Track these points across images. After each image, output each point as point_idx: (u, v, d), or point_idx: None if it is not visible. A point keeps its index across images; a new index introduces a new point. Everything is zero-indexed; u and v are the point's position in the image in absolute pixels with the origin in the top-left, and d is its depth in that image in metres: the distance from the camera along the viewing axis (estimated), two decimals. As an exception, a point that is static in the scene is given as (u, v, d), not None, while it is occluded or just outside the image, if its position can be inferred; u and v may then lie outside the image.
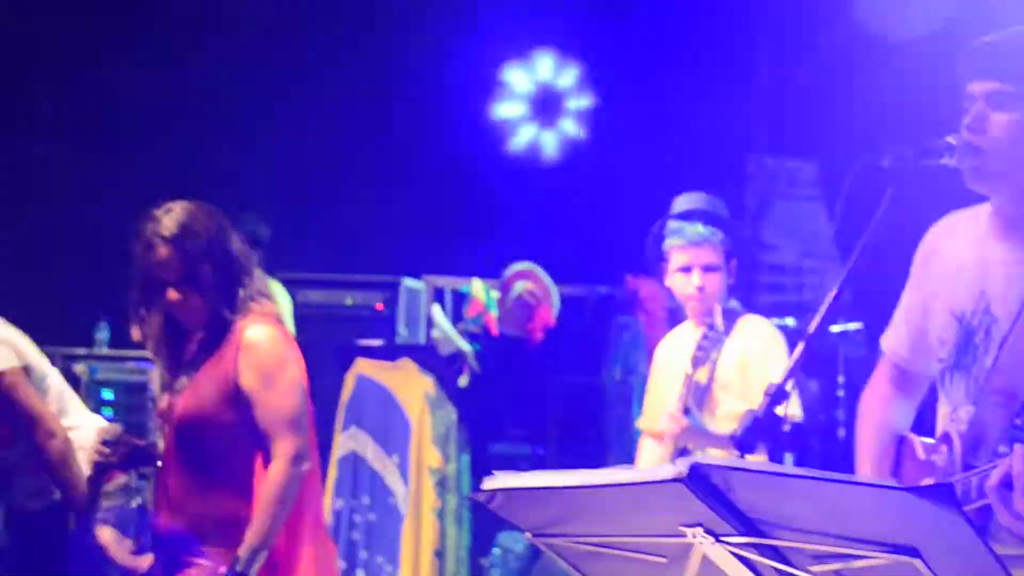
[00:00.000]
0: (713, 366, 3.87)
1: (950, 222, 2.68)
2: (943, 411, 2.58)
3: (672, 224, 4.00)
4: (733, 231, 4.04)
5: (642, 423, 4.19)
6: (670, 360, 4.10)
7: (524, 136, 8.80)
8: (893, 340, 2.78)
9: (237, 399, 3.24)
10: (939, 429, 2.58)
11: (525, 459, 7.58)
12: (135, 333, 3.40)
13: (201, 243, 3.26)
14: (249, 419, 3.24)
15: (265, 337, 3.28)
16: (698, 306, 3.96)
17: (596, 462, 6.81)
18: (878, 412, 2.77)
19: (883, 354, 2.82)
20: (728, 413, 3.81)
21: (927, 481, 2.48)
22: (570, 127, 8.83)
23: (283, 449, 3.20)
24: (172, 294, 3.25)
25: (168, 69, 7.76)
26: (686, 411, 3.77)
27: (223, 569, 3.15)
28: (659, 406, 4.00)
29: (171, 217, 3.27)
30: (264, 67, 7.87)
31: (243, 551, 3.14)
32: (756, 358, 3.87)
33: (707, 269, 3.92)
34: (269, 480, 3.18)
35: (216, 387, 3.26)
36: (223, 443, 3.27)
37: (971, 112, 2.43)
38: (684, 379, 3.88)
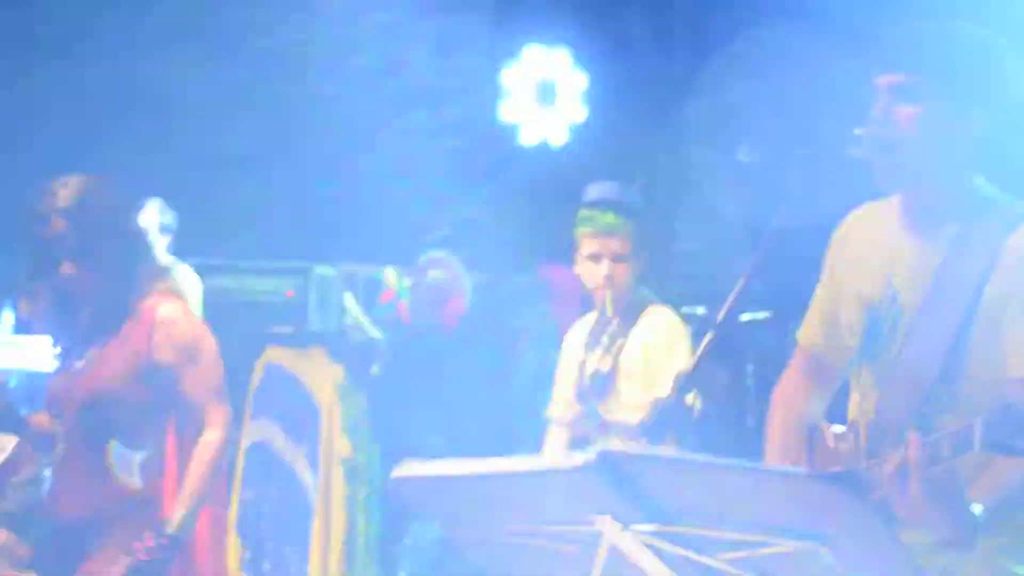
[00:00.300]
0: (616, 355, 3.86)
1: (862, 212, 2.70)
2: (854, 399, 2.60)
3: (583, 212, 3.98)
4: (646, 221, 4.02)
5: (550, 411, 4.19)
6: (575, 348, 4.10)
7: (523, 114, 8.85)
8: (808, 331, 2.79)
9: (149, 376, 3.22)
10: (849, 417, 2.59)
11: (438, 447, 7.56)
12: (23, 308, 3.35)
13: (98, 217, 3.21)
14: (161, 396, 3.21)
15: (180, 313, 3.30)
16: (606, 295, 3.96)
17: (509, 450, 6.80)
18: (790, 401, 2.78)
19: (799, 345, 2.83)
20: (630, 403, 3.78)
21: (835, 470, 2.50)
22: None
23: (217, 417, 3.25)
24: (66, 268, 3.20)
25: (73, 51, 7.62)
26: (581, 399, 3.74)
27: (149, 538, 3.11)
28: (566, 394, 4.02)
29: (68, 190, 3.21)
30: (172, 50, 7.76)
31: (177, 514, 3.15)
32: (660, 348, 3.86)
33: (616, 259, 3.91)
34: (206, 445, 3.22)
35: (125, 365, 3.23)
36: (132, 421, 3.23)
37: (879, 105, 2.44)
38: (579, 368, 3.85)
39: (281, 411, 5.52)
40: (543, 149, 8.80)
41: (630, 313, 3.94)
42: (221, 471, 3.30)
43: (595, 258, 3.93)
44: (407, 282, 6.92)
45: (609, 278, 3.90)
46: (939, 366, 2.39)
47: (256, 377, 5.69)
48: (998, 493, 2.20)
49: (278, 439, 5.50)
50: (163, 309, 3.26)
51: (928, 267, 2.45)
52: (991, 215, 2.43)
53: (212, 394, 3.27)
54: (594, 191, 4.07)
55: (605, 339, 3.94)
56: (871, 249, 2.59)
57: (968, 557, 2.25)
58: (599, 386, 3.86)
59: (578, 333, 4.15)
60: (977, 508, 2.17)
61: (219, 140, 7.92)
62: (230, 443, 3.33)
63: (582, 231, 3.96)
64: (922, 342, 2.42)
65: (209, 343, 3.31)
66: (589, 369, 3.87)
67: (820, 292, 2.76)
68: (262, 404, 5.60)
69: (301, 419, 5.45)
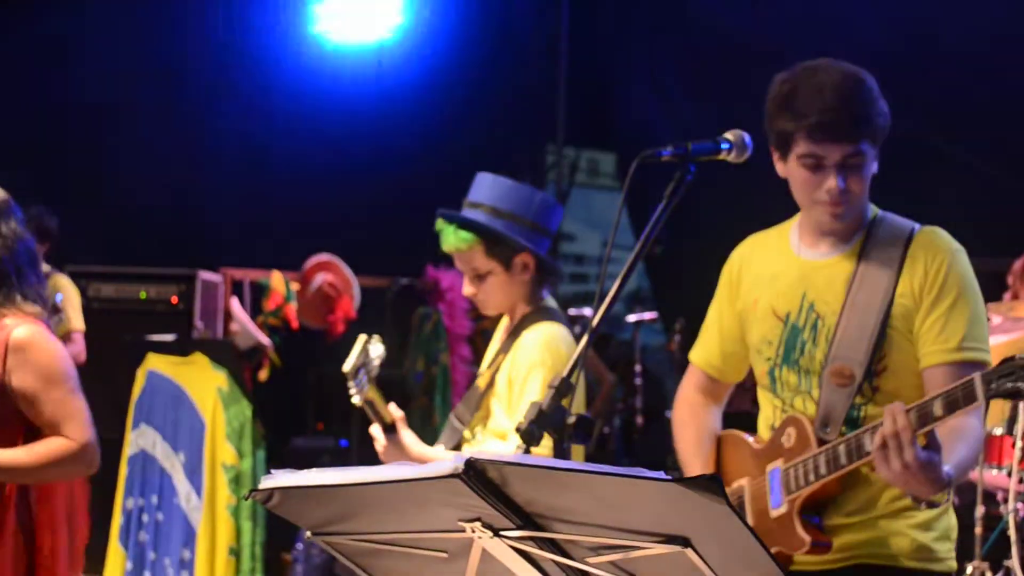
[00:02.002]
0: (495, 372, 3.54)
1: (755, 241, 2.96)
2: (771, 404, 2.84)
3: (437, 223, 3.52)
4: (499, 238, 3.44)
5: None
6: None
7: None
8: (705, 352, 3.05)
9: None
10: (770, 421, 2.84)
11: (328, 452, 7.51)
12: None
13: None
14: (10, 418, 3.09)
15: (38, 337, 3.15)
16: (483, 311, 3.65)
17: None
18: (698, 418, 3.04)
19: (695, 365, 3.07)
20: (495, 429, 3.48)
21: (775, 465, 2.77)
22: None
23: (77, 434, 3.11)
24: None
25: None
26: (388, 429, 3.47)
27: None
28: None
29: None
30: (41, 45, 7.61)
31: None
32: (520, 376, 3.43)
33: (477, 276, 3.50)
34: (60, 447, 3.08)
35: None
36: None
37: (835, 177, 2.64)
38: (368, 402, 3.53)
39: (162, 419, 5.45)
40: (427, 152, 8.74)
41: (517, 327, 3.53)
42: (49, 476, 3.12)
43: (462, 273, 3.57)
44: (294, 286, 6.87)
45: (474, 296, 3.55)
46: (865, 363, 2.67)
47: (138, 385, 5.61)
48: (958, 454, 2.51)
49: (158, 447, 5.43)
50: (19, 331, 3.11)
51: (841, 277, 2.74)
52: (886, 227, 2.76)
53: (74, 418, 3.11)
54: (475, 188, 3.57)
55: (491, 353, 3.63)
56: (776, 267, 2.85)
57: (886, 534, 2.65)
58: (474, 403, 3.56)
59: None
60: (950, 469, 2.46)
61: (101, 143, 7.78)
62: (80, 466, 3.14)
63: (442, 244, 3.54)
64: (847, 341, 2.70)
65: (70, 367, 3.17)
66: (373, 404, 3.52)
67: (718, 315, 3.00)
68: (143, 412, 5.53)
69: (182, 427, 5.39)
